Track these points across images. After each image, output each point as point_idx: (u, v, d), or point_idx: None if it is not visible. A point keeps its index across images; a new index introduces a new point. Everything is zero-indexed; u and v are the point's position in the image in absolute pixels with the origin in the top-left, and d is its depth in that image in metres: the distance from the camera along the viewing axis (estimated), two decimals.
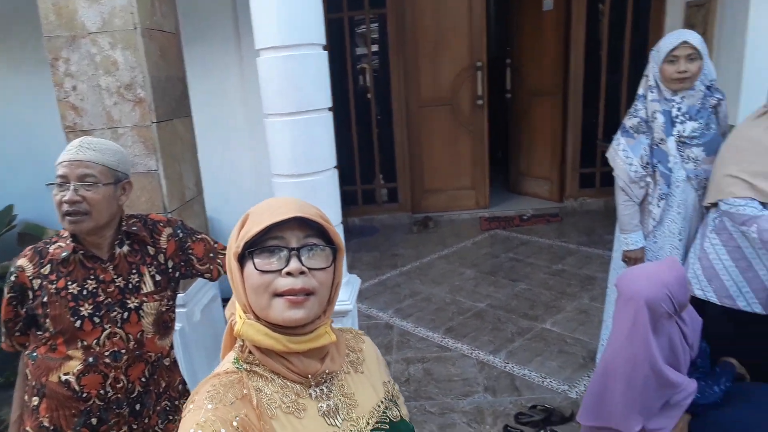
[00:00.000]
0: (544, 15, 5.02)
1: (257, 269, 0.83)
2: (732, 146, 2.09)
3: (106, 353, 1.40)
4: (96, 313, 1.39)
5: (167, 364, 1.58)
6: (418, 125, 5.02)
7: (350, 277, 2.23)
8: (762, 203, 2.00)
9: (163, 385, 1.55)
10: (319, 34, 1.97)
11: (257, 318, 0.85)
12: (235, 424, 0.78)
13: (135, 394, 1.46)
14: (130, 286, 1.44)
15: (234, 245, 0.87)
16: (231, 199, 3.60)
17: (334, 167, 2.11)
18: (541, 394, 2.48)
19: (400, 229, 4.95)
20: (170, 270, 1.54)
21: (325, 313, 0.88)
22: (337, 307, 1.96)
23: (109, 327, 1.40)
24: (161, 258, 1.52)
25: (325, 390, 0.88)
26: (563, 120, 5.06)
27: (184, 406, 0.85)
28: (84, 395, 1.38)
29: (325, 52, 2.03)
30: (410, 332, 3.08)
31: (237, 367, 0.87)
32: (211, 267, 1.62)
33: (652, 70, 2.29)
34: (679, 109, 2.22)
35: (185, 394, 1.66)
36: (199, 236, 1.63)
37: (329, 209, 2.07)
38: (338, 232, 0.96)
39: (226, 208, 3.51)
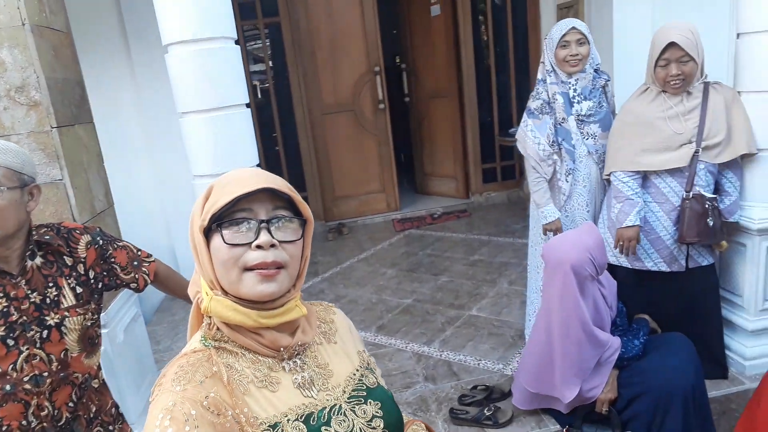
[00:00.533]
0: (433, 20, 5.24)
1: (226, 242, 0.79)
2: (621, 121, 2.30)
3: (26, 379, 1.23)
4: (9, 335, 1.22)
5: (96, 386, 1.42)
6: (323, 133, 5.00)
7: None
8: (647, 174, 2.22)
9: (94, 409, 1.39)
10: (230, 28, 1.89)
11: (225, 293, 0.81)
12: (206, 403, 0.74)
13: (63, 422, 1.29)
14: (48, 301, 1.28)
15: (198, 219, 0.82)
16: (131, 211, 3.34)
17: (257, 165, 2.03)
18: (479, 376, 2.54)
19: (315, 237, 4.83)
20: (92, 281, 1.39)
21: (295, 286, 0.86)
22: None
23: (27, 349, 1.24)
24: (81, 268, 1.37)
25: (299, 362, 0.87)
26: (461, 119, 5.28)
27: (151, 390, 0.79)
28: (3, 429, 1.20)
29: (238, 46, 1.96)
30: None
31: (205, 345, 0.83)
32: (137, 276, 1.49)
33: (548, 56, 2.45)
34: (574, 90, 2.41)
35: (119, 419, 1.50)
36: (121, 244, 1.50)
37: None
38: None
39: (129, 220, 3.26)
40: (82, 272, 1.37)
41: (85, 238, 1.40)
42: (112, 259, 1.44)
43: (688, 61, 2.08)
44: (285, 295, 0.83)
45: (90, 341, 1.39)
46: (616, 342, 2.06)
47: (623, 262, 2.34)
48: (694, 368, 2.00)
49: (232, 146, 1.90)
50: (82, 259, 1.37)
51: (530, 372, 2.15)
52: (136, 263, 1.50)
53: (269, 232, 0.80)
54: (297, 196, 0.85)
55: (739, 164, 2.26)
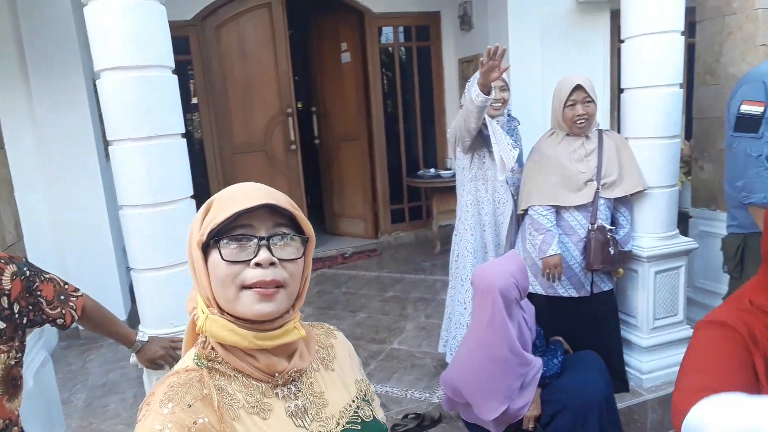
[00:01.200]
0: (344, 67, 5.45)
1: (224, 259, 0.76)
2: (533, 161, 2.55)
3: None
4: None
5: None
6: (234, 172, 4.93)
7: None
8: (558, 209, 2.47)
9: None
10: (168, 57, 1.88)
11: (221, 312, 0.78)
12: (193, 430, 0.71)
13: None
14: None
15: (197, 233, 0.79)
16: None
17: (191, 196, 1.99)
18: (407, 405, 2.58)
19: None
20: (17, 316, 1.28)
21: (294, 307, 0.83)
22: None
23: None
24: (5, 301, 1.26)
25: (293, 389, 0.83)
26: (371, 162, 5.46)
27: (139, 408, 0.75)
28: None
29: (175, 76, 1.94)
30: None
31: (198, 364, 0.79)
32: (64, 311, 1.40)
33: None
34: None
35: None
36: (47, 276, 1.40)
37: None
38: None
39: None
40: (6, 306, 1.25)
41: (11, 269, 1.29)
42: (39, 293, 1.34)
43: (590, 103, 2.39)
44: (283, 316, 0.80)
45: (13, 382, 1.27)
46: (538, 362, 2.21)
47: (538, 289, 2.54)
48: (605, 382, 2.20)
49: (165, 176, 1.85)
50: (7, 292, 1.26)
51: (459, 391, 2.23)
52: (63, 297, 1.40)
53: (269, 249, 0.77)
54: (299, 213, 0.82)
55: (629, 200, 2.58)
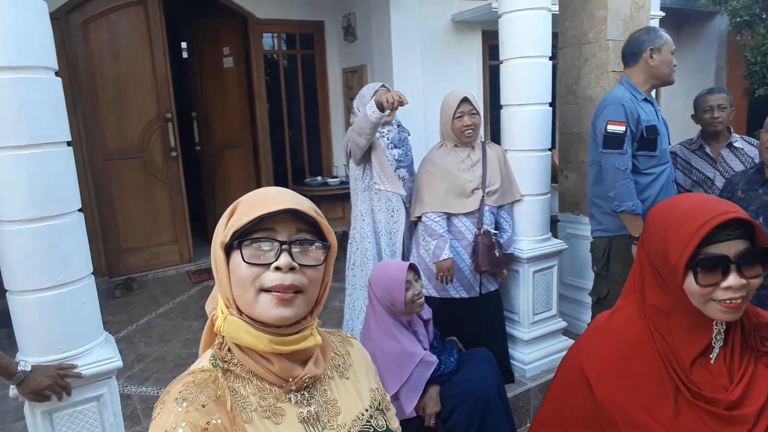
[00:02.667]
0: (226, 72, 5.30)
1: (245, 261, 0.77)
2: (425, 170, 2.71)
3: None
4: None
5: None
6: (107, 180, 4.56)
7: (106, 335, 1.94)
8: (449, 215, 2.65)
9: None
10: (52, 58, 1.73)
11: (240, 313, 0.79)
12: (207, 430, 0.72)
13: None
14: None
15: (221, 234, 0.80)
16: None
17: (79, 210, 1.84)
18: None
19: (99, 295, 4.32)
20: None
21: (312, 313, 0.84)
22: (108, 365, 1.72)
23: None
24: None
25: (306, 395, 0.84)
26: (256, 170, 5.36)
27: (154, 406, 0.76)
28: None
29: (59, 78, 1.79)
30: (155, 395, 2.77)
31: (213, 365, 0.80)
32: None
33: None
34: (387, 138, 2.76)
35: None
36: None
37: (78, 259, 1.81)
38: None
39: None
40: None
41: None
42: None
43: (476, 114, 2.60)
44: (301, 322, 0.81)
45: None
46: (436, 360, 2.35)
47: (432, 292, 2.69)
48: (496, 375, 2.39)
49: (50, 187, 1.69)
50: None
51: None
52: None
53: (290, 254, 0.78)
54: (323, 220, 0.83)
55: (510, 206, 2.83)
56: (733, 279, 0.91)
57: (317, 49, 5.57)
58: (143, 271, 4.72)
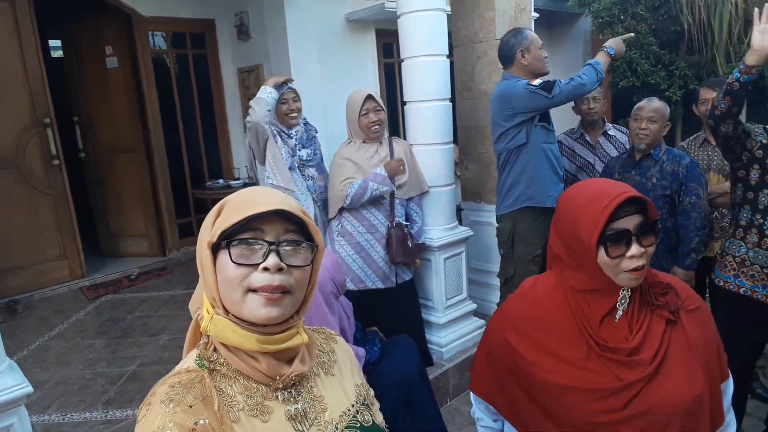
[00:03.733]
0: (110, 72, 4.97)
1: (233, 261, 0.77)
2: (335, 164, 2.76)
3: None
4: None
5: None
6: None
7: (9, 362, 1.79)
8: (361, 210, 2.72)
9: None
10: None
11: (226, 312, 0.80)
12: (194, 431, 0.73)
13: None
14: None
15: (208, 234, 0.80)
16: None
17: None
18: None
19: None
20: None
21: (299, 313, 0.85)
22: (16, 392, 1.59)
23: None
24: None
25: (294, 393, 0.84)
26: (151, 175, 5.09)
27: (139, 408, 0.75)
28: None
29: None
30: (60, 422, 2.57)
31: (199, 365, 0.80)
32: None
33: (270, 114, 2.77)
34: (295, 138, 2.78)
35: None
36: None
37: None
38: None
39: None
40: None
41: None
42: None
43: (380, 111, 2.69)
44: (288, 321, 0.81)
45: None
46: (361, 351, 2.41)
47: (350, 285, 2.75)
48: (417, 359, 2.51)
49: None
50: None
51: None
52: None
53: (278, 255, 0.78)
54: (310, 221, 0.83)
55: (418, 198, 2.96)
56: (635, 248, 1.08)
57: (209, 49, 5.39)
58: (28, 292, 4.31)
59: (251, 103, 2.63)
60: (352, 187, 2.63)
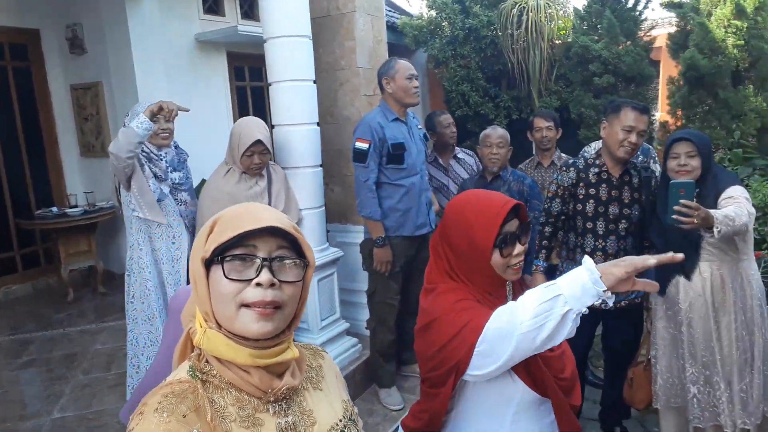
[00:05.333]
0: None
1: (227, 276, 0.78)
2: (211, 198, 2.62)
3: None
4: None
5: None
6: None
7: None
8: None
9: None
10: None
11: (219, 327, 0.81)
12: None
13: None
14: None
15: (201, 249, 0.81)
16: None
17: None
18: None
19: None
20: None
21: (290, 327, 0.86)
22: None
23: None
24: None
25: (284, 406, 0.85)
26: None
27: (130, 418, 0.74)
28: None
29: None
30: None
31: (192, 376, 0.80)
32: None
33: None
34: (166, 161, 2.63)
35: None
36: None
37: None
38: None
39: None
40: None
41: None
42: None
43: (266, 153, 2.66)
44: (279, 336, 0.82)
45: None
46: None
47: None
48: None
49: None
50: None
51: None
52: None
53: (271, 270, 0.80)
54: (302, 238, 0.85)
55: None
56: (519, 247, 1.27)
57: (34, 61, 4.83)
58: None
59: (120, 131, 2.39)
60: None
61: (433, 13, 7.16)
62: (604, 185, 2.47)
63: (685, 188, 1.97)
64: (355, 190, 2.86)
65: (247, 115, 5.82)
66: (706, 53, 4.67)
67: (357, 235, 3.43)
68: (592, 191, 2.48)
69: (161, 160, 2.60)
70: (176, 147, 2.74)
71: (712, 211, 1.97)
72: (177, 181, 2.63)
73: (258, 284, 0.79)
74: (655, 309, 2.48)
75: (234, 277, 0.79)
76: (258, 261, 0.80)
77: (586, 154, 3.25)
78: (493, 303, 1.27)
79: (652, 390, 2.50)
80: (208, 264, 0.81)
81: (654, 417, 2.73)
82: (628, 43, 6.40)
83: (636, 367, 2.58)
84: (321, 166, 3.17)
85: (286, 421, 0.84)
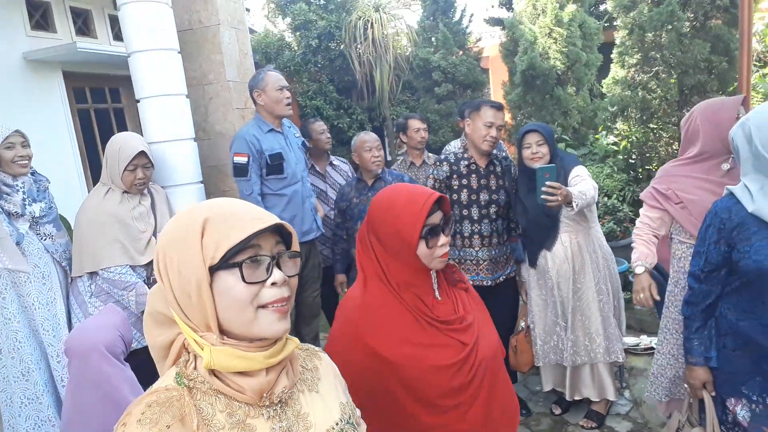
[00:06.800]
0: None
1: (246, 281, 0.76)
2: (91, 220, 2.44)
3: None
4: None
5: None
6: None
7: None
8: (133, 267, 2.48)
9: None
10: None
11: (222, 337, 0.77)
12: None
13: None
14: None
15: (199, 256, 0.75)
16: None
17: None
18: None
19: None
20: None
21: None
22: None
23: None
24: None
25: (279, 410, 0.82)
26: None
27: (114, 428, 0.72)
28: None
29: None
30: None
31: (178, 383, 0.77)
32: None
33: None
34: (24, 192, 2.36)
35: None
36: None
37: None
38: None
39: None
40: None
41: None
42: None
43: (150, 167, 2.52)
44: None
45: None
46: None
47: (144, 342, 2.46)
48: None
49: None
50: None
51: None
52: None
53: (279, 267, 0.80)
54: (294, 231, 0.85)
55: None
56: (443, 238, 1.35)
57: None
58: None
59: None
60: (138, 294, 2.44)
61: (284, 25, 7.28)
62: (473, 175, 2.78)
63: (549, 172, 2.30)
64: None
65: (93, 139, 5.38)
66: (540, 57, 5.39)
67: None
68: (464, 181, 2.78)
69: (17, 191, 2.32)
70: (33, 173, 2.45)
71: (569, 188, 2.34)
72: (38, 214, 2.36)
73: (273, 283, 0.79)
74: (528, 281, 2.84)
75: (253, 280, 0.76)
76: (267, 260, 0.79)
77: (448, 153, 3.61)
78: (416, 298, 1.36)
79: (533, 352, 2.86)
80: (211, 272, 0.77)
81: (535, 378, 3.11)
82: (461, 53, 7.11)
83: (518, 335, 2.93)
84: (202, 182, 3.09)
85: (280, 426, 0.81)
